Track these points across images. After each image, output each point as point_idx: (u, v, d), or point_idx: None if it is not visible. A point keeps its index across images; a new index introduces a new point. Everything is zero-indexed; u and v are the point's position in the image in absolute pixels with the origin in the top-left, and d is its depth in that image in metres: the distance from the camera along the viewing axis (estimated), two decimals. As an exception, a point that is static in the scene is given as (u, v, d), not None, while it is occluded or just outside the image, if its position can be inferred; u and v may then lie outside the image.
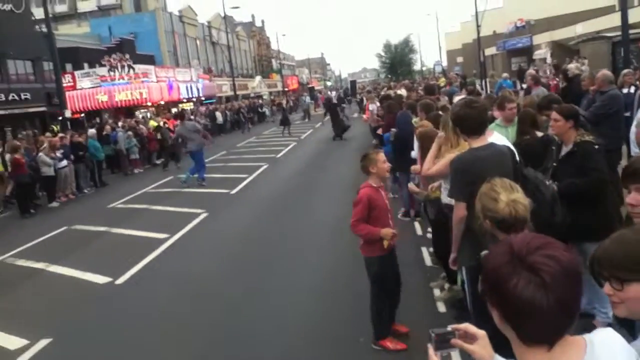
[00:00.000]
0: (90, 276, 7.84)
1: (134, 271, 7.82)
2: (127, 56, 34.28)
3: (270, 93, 65.09)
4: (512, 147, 4.08)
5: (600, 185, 4.23)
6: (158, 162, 21.26)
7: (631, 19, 17.84)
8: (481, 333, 1.54)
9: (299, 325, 5.53)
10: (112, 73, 33.03)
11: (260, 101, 47.00)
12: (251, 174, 15.62)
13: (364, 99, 24.58)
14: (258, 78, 66.58)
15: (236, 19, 71.50)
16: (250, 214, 10.99)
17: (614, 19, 21.99)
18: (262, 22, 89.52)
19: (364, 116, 17.66)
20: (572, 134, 4.38)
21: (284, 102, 44.30)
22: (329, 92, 42.42)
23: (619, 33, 18.38)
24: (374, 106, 14.81)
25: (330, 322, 5.49)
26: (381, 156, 4.63)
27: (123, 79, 33.06)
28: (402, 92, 14.51)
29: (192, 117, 26.48)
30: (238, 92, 47.18)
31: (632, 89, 8.21)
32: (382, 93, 17.96)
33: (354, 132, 22.25)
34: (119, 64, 33.14)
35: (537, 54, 41.61)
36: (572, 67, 11.94)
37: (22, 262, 9.12)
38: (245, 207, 11.68)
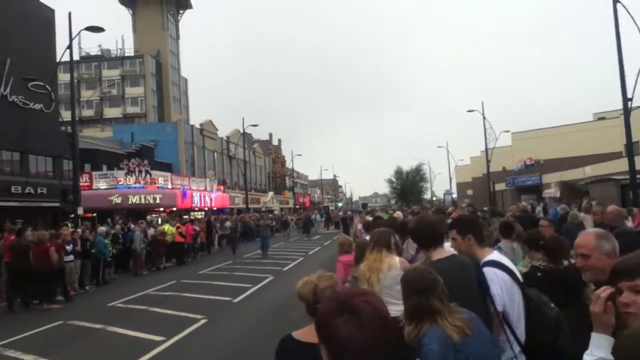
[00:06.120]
0: (78, 372, 7.52)
1: (124, 371, 7.50)
2: (146, 162, 35.38)
3: (282, 209, 65.96)
4: (513, 267, 3.85)
5: None
6: (165, 265, 21.61)
7: (638, 165, 18.67)
8: None
9: None
10: (128, 177, 33.88)
11: (270, 215, 47.44)
12: (256, 284, 15.39)
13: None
14: (271, 194, 67.90)
15: (254, 136, 74.48)
16: (251, 324, 10.66)
17: (622, 164, 22.79)
18: (279, 141, 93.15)
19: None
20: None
21: (300, 216, 45.22)
22: (340, 212, 44.77)
23: (627, 177, 19.07)
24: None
25: None
26: None
27: (139, 182, 33.84)
28: (398, 214, 14.72)
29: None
30: (250, 205, 47.83)
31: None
32: (376, 214, 18.40)
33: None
34: (137, 169, 34.09)
35: (547, 193, 42.23)
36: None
37: (11, 353, 8.81)
38: (247, 316, 11.36)
